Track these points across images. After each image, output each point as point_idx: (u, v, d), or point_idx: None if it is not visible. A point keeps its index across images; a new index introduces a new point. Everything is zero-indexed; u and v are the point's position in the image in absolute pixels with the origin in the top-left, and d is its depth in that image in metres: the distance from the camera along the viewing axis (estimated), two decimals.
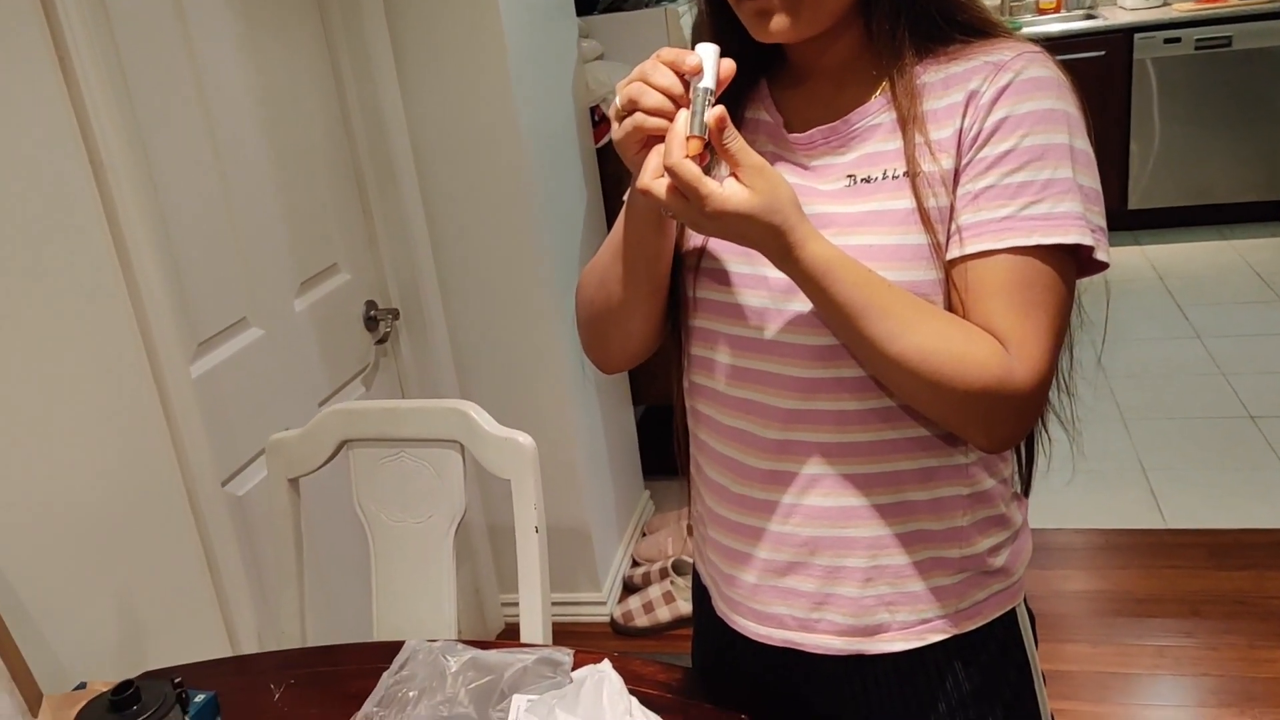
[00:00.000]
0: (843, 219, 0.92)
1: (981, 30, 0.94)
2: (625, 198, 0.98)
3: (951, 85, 0.91)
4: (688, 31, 2.81)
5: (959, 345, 0.87)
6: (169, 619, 1.50)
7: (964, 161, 0.90)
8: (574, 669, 1.13)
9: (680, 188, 0.82)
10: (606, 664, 1.11)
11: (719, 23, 0.98)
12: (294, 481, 1.51)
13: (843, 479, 0.95)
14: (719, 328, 1.00)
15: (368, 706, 1.12)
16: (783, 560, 0.98)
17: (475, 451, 1.41)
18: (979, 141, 0.89)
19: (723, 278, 0.99)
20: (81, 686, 1.14)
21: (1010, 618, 1.03)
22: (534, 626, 1.38)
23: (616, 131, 0.87)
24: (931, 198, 0.90)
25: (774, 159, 0.98)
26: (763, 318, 0.96)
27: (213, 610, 1.60)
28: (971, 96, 0.90)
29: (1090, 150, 0.91)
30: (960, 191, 0.90)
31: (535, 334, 2.45)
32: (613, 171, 2.83)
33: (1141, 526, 2.82)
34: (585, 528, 2.61)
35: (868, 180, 0.93)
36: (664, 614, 2.63)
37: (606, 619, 2.68)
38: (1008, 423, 0.89)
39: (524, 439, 1.37)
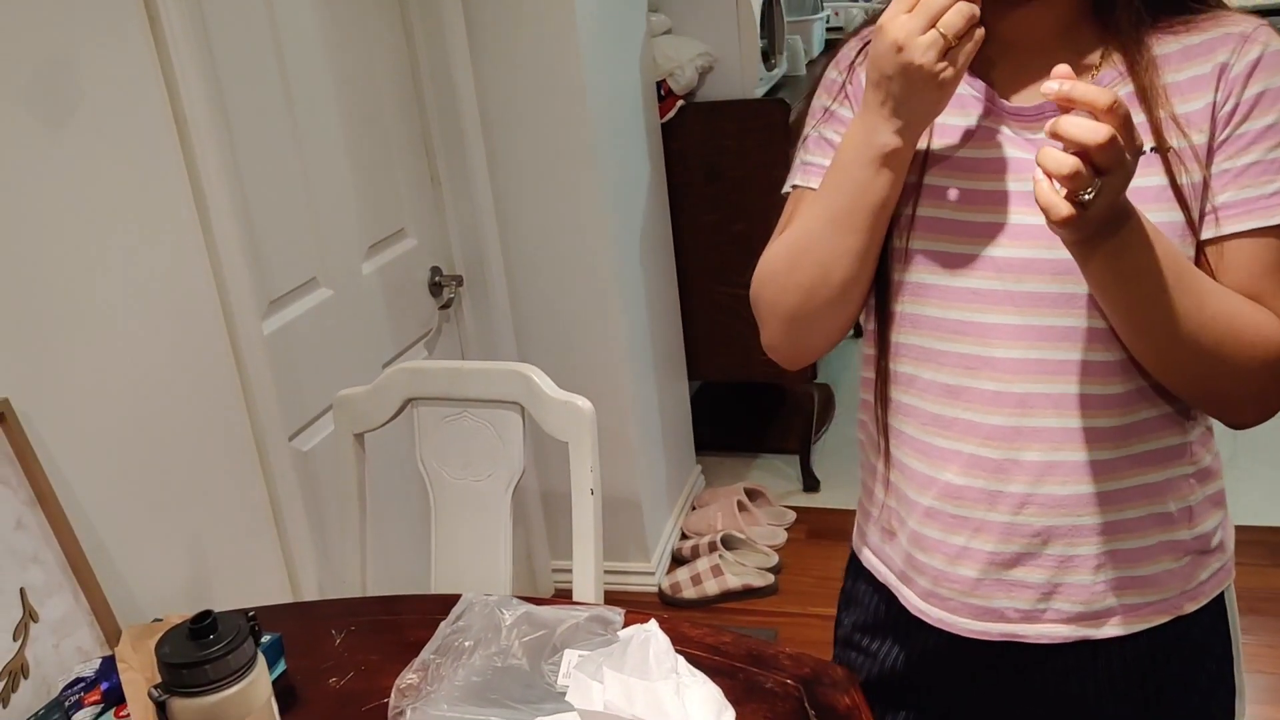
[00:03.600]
0: None
1: (1205, 1, 0.91)
2: (847, 151, 0.92)
3: (1193, 57, 0.88)
4: (758, 9, 2.80)
5: (1250, 317, 0.85)
6: (236, 565, 1.56)
7: (1221, 137, 0.87)
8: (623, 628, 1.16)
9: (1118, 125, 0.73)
10: (653, 624, 1.14)
11: None
12: (359, 437, 1.56)
13: (1081, 465, 0.93)
14: (932, 312, 0.96)
15: (425, 654, 1.16)
16: (1011, 552, 0.96)
17: (535, 413, 1.44)
18: (1236, 117, 0.87)
19: (939, 259, 0.95)
20: (158, 620, 1.20)
21: (1221, 595, 1.02)
22: (586, 587, 1.41)
23: (918, 50, 0.83)
24: (1184, 174, 0.87)
25: (989, 132, 0.94)
26: (988, 301, 0.92)
27: (277, 559, 1.66)
28: (1222, 70, 0.87)
29: None
30: (1219, 169, 0.87)
31: (595, 305, 2.48)
32: (677, 147, 2.84)
33: None
34: (636, 498, 2.64)
35: None
36: (711, 587, 2.66)
37: (654, 589, 2.72)
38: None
39: (583, 403, 1.40)
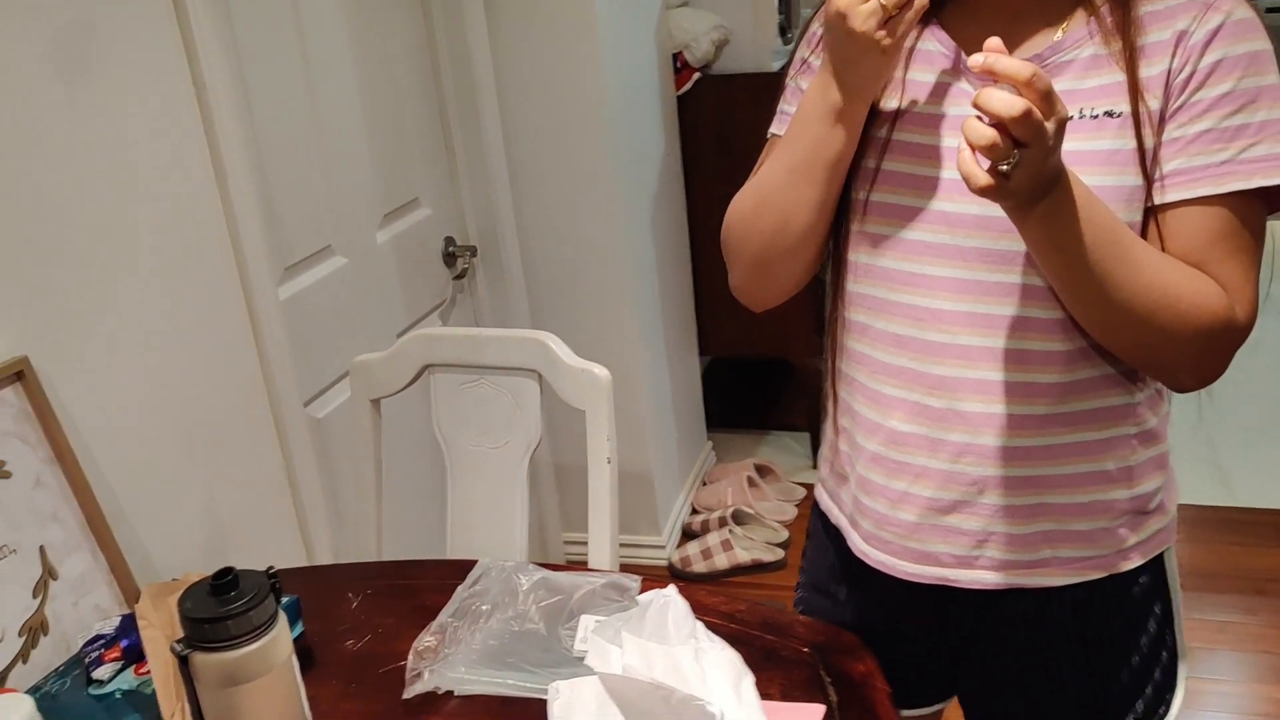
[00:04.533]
0: None
1: None
2: (806, 105, 0.95)
3: (1157, 21, 0.89)
4: None
5: (1188, 285, 0.86)
6: (251, 529, 1.56)
7: (1174, 105, 0.88)
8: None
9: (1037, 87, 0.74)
10: (672, 589, 1.14)
11: None
12: (375, 403, 1.56)
13: (1020, 419, 0.95)
14: (886, 263, 0.98)
15: (442, 617, 1.16)
16: (948, 499, 0.99)
17: (552, 381, 1.44)
18: (1192, 84, 0.87)
19: (895, 212, 0.97)
20: (177, 579, 1.20)
21: (1160, 557, 1.04)
22: (602, 555, 1.42)
23: (858, 19, 0.85)
24: (1139, 139, 0.88)
25: (955, 90, 0.95)
26: (939, 254, 0.94)
27: (291, 525, 1.66)
28: (1180, 36, 0.88)
29: None
30: (1169, 136, 0.88)
31: (609, 278, 2.47)
32: (691, 120, 2.82)
33: (1210, 503, 2.79)
34: (648, 472, 2.64)
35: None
36: (721, 561, 2.67)
37: (665, 563, 2.73)
38: (1221, 363, 0.90)
39: (600, 371, 1.40)
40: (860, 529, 1.07)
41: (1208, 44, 0.87)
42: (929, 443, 0.98)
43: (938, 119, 0.96)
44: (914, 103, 0.97)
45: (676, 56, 2.74)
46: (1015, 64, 0.74)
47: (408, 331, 2.12)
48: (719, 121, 2.81)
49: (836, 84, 0.92)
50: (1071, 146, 0.85)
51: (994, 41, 0.77)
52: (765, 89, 2.73)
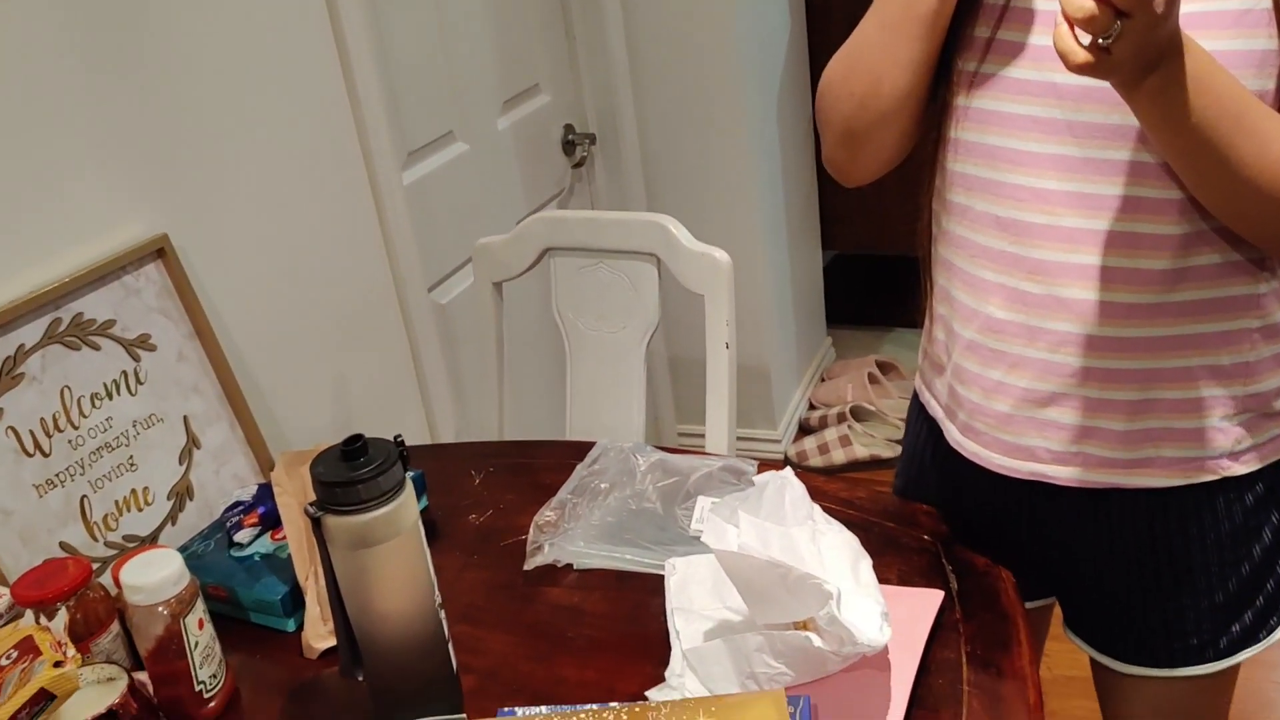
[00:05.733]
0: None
1: None
2: None
3: None
4: None
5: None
6: (378, 412, 1.61)
7: None
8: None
9: None
10: (789, 471, 1.13)
11: None
12: (498, 285, 1.57)
13: (1127, 307, 0.89)
14: (992, 140, 0.92)
15: (562, 494, 1.18)
16: (1045, 390, 0.94)
17: (671, 265, 1.43)
18: None
19: (1003, 85, 0.90)
20: (309, 449, 1.25)
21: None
22: (719, 440, 1.42)
23: None
24: None
25: None
26: (1046, 130, 0.88)
27: (417, 404, 1.71)
28: None
29: None
30: None
31: (730, 167, 2.42)
32: (819, 1, 2.71)
33: None
34: (765, 365, 2.63)
35: None
36: (839, 456, 2.65)
37: (780, 457, 2.72)
38: None
39: (720, 254, 1.38)
40: (956, 419, 1.03)
41: None
42: (1027, 330, 0.93)
43: None
44: None
45: None
46: None
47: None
48: (848, 2, 2.69)
49: None
50: (1194, 7, 0.77)
51: None
52: None
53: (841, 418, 2.73)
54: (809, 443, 2.70)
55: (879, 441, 2.67)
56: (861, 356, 3.00)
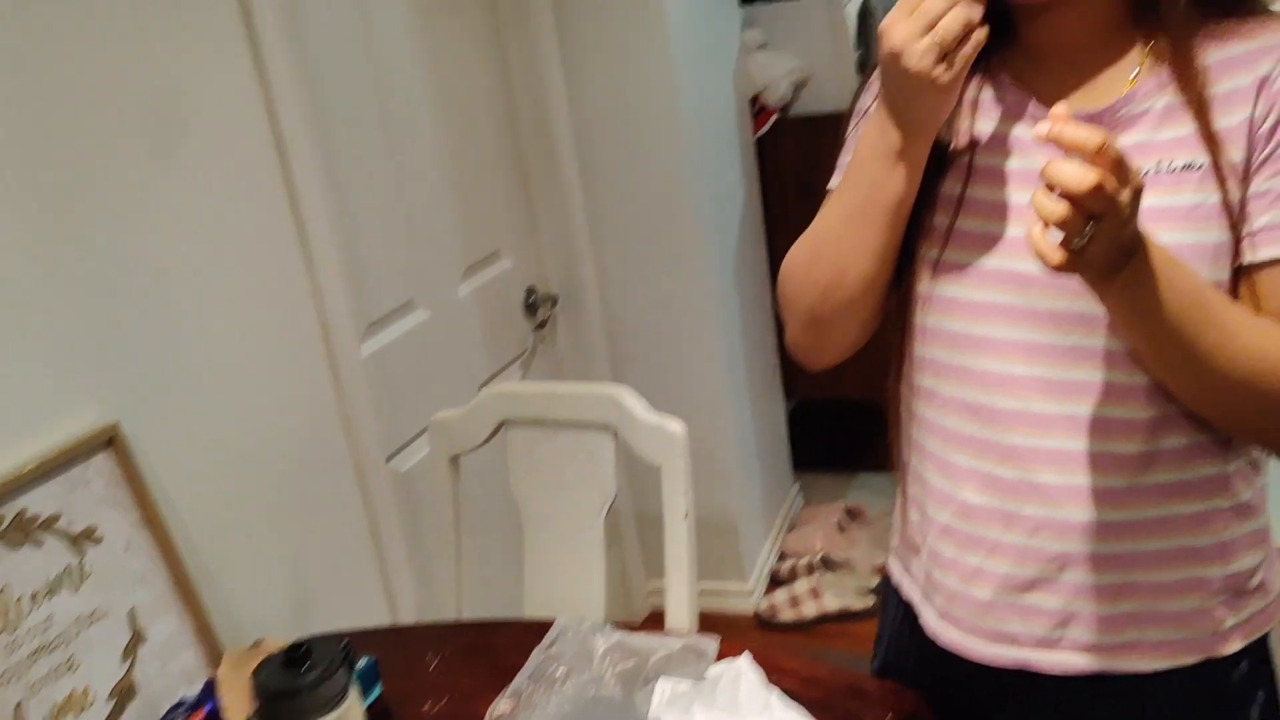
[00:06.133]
0: None
1: (1250, 8, 0.86)
2: (863, 147, 0.91)
3: (1234, 68, 0.84)
4: (853, 21, 2.76)
5: None
6: (336, 586, 1.58)
7: (1260, 157, 0.82)
8: (719, 658, 1.13)
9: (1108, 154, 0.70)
10: (744, 658, 1.11)
11: None
12: (455, 459, 1.57)
13: (1101, 491, 0.89)
14: (957, 326, 0.93)
15: (518, 681, 1.15)
16: (1026, 576, 0.93)
17: (627, 436, 1.43)
18: (1279, 134, 0.82)
19: (965, 272, 0.92)
20: (257, 643, 1.22)
21: (1263, 640, 0.96)
22: (680, 614, 1.39)
23: (913, 56, 0.81)
24: (1221, 192, 0.83)
25: (1026, 145, 0.90)
26: (1011, 317, 0.89)
27: (375, 579, 1.68)
28: (1263, 83, 0.82)
29: None
30: (1257, 189, 0.83)
31: (690, 323, 2.46)
32: (772, 162, 2.81)
33: None
34: (732, 518, 2.61)
35: (1142, 173, 0.81)
36: (810, 609, 2.61)
37: (751, 611, 2.68)
38: None
39: (675, 426, 1.38)
40: (933, 603, 1.02)
41: None
42: (1002, 515, 0.93)
43: (1007, 173, 0.91)
44: (982, 156, 0.92)
45: (755, 99, 2.73)
46: (1083, 132, 0.70)
47: (490, 383, 2.14)
48: (799, 163, 2.79)
49: (894, 124, 0.87)
50: (1150, 203, 0.80)
51: (1059, 109, 0.72)
52: (845, 129, 2.74)
53: (811, 568, 2.71)
54: (780, 595, 2.66)
55: (850, 592, 2.64)
56: (829, 502, 2.99)
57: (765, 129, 2.77)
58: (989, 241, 0.91)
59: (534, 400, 1.49)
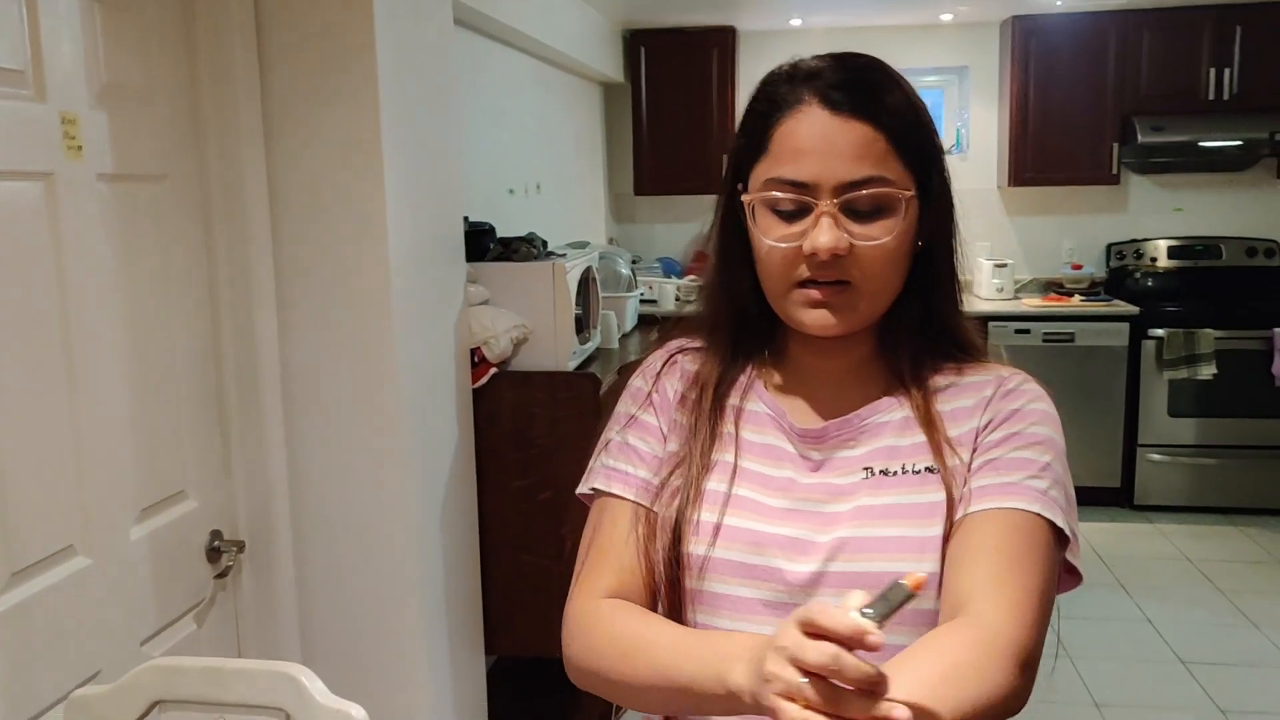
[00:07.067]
0: (870, 511, 0.98)
1: (976, 354, 1.08)
2: (715, 663, 0.89)
3: (965, 392, 1.05)
4: (573, 286, 2.89)
5: (973, 674, 0.85)
6: None
7: (979, 443, 1.00)
8: None
9: None
10: None
11: (730, 295, 1.07)
12: None
13: None
14: (724, 623, 1.01)
15: None
16: None
17: None
18: (992, 426, 1.00)
19: (737, 570, 1.01)
20: None
21: None
22: None
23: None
24: (955, 488, 0.98)
25: (781, 454, 1.04)
26: (778, 612, 0.98)
27: None
28: (987, 401, 1.03)
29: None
30: (975, 463, 1.00)
31: (387, 580, 2.34)
32: (487, 412, 2.82)
33: None
34: None
35: (886, 473, 1.00)
36: None
37: None
38: (1025, 691, 0.89)
39: (356, 711, 1.27)
40: None
41: (1005, 398, 1.03)
42: None
43: (767, 478, 1.04)
44: (752, 461, 1.05)
45: (475, 351, 2.76)
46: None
47: (155, 638, 1.92)
48: (515, 415, 2.82)
49: (748, 686, 0.84)
50: (897, 499, 0.96)
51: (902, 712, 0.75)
52: (561, 387, 2.82)
53: None
54: None
55: None
56: None
57: (483, 381, 2.79)
58: (754, 537, 1.01)
59: (198, 678, 1.33)
